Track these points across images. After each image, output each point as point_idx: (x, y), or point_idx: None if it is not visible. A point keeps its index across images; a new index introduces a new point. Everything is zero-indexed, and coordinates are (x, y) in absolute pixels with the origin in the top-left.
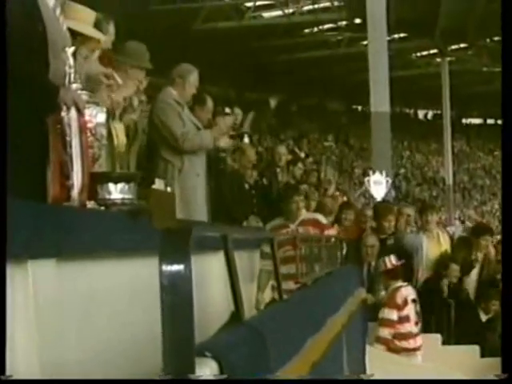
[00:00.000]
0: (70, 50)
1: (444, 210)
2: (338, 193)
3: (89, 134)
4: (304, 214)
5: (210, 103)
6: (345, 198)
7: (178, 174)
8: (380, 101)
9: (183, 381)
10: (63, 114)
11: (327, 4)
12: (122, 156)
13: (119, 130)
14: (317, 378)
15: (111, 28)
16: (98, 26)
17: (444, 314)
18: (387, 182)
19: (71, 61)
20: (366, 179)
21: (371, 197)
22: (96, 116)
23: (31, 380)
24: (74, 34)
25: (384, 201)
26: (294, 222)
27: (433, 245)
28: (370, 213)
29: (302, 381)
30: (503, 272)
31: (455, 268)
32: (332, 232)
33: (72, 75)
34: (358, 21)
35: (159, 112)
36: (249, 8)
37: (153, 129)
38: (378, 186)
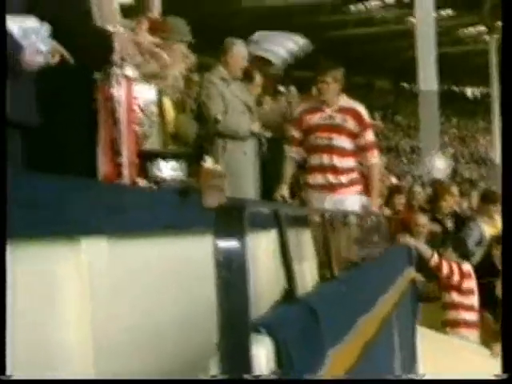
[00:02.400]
0: (118, 26)
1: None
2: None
3: (139, 111)
4: (343, 99)
5: (258, 78)
6: (394, 180)
7: (223, 152)
8: (428, 79)
9: (192, 381)
10: (113, 90)
11: None
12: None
13: (169, 106)
14: (321, 379)
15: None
16: None
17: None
18: (446, 162)
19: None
20: (427, 158)
21: (419, 177)
22: (146, 93)
23: (31, 380)
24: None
25: (440, 180)
26: (331, 107)
27: (491, 230)
28: (421, 193)
29: (307, 381)
30: (503, 272)
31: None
32: (371, 137)
33: (121, 52)
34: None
35: (203, 92)
36: None
37: (199, 108)
38: (434, 166)
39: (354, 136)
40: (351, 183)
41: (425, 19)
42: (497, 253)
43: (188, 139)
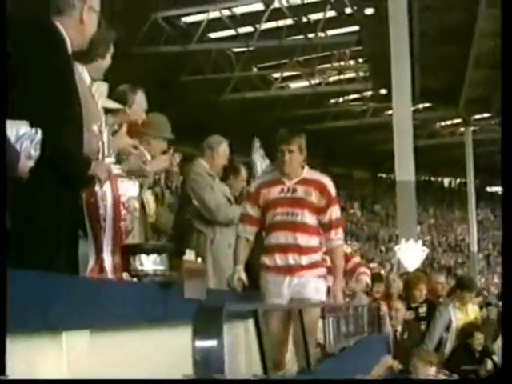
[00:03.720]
0: (103, 125)
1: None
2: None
3: (121, 208)
4: (306, 171)
5: (243, 173)
6: (374, 268)
7: (210, 244)
8: (405, 170)
9: (184, 381)
10: (97, 188)
11: (353, 75)
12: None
13: (150, 200)
14: (317, 378)
15: (139, 98)
16: (122, 97)
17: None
18: (422, 250)
19: (104, 136)
20: (397, 247)
21: (398, 263)
22: (129, 189)
23: (31, 380)
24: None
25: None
26: (292, 179)
27: (462, 316)
28: (397, 280)
29: (301, 381)
30: (503, 272)
31: (479, 336)
32: (337, 214)
33: (105, 150)
34: (383, 91)
35: (192, 184)
36: (276, 79)
37: (184, 200)
38: (410, 254)
39: (318, 211)
40: (314, 265)
41: (402, 112)
42: (474, 341)
43: (166, 231)
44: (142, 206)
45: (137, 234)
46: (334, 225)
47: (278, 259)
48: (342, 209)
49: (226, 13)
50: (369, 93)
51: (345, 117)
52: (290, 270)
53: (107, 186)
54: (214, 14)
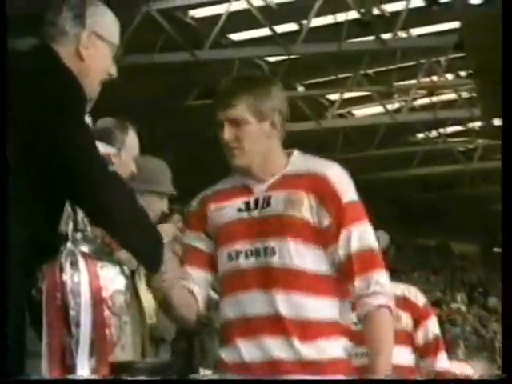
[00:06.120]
0: None
1: None
2: None
3: (104, 307)
4: (295, 160)
5: None
6: None
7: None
8: None
9: (181, 381)
10: (65, 277)
11: (451, 96)
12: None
13: (144, 292)
14: (316, 379)
15: (131, 140)
16: (107, 138)
17: None
18: None
19: None
20: None
21: None
22: (114, 279)
23: (31, 380)
24: None
25: None
26: (265, 180)
27: None
28: None
29: (299, 381)
30: (503, 271)
31: None
32: (367, 238)
33: (79, 219)
34: (497, 122)
35: None
36: (332, 102)
37: None
38: None
39: (319, 236)
40: (327, 363)
41: None
42: None
43: (168, 339)
44: (133, 302)
45: (129, 346)
46: (360, 262)
47: (245, 350)
48: (437, 302)
49: (256, 3)
50: (476, 124)
51: (440, 160)
52: (271, 369)
53: (82, 275)
54: (237, 5)
